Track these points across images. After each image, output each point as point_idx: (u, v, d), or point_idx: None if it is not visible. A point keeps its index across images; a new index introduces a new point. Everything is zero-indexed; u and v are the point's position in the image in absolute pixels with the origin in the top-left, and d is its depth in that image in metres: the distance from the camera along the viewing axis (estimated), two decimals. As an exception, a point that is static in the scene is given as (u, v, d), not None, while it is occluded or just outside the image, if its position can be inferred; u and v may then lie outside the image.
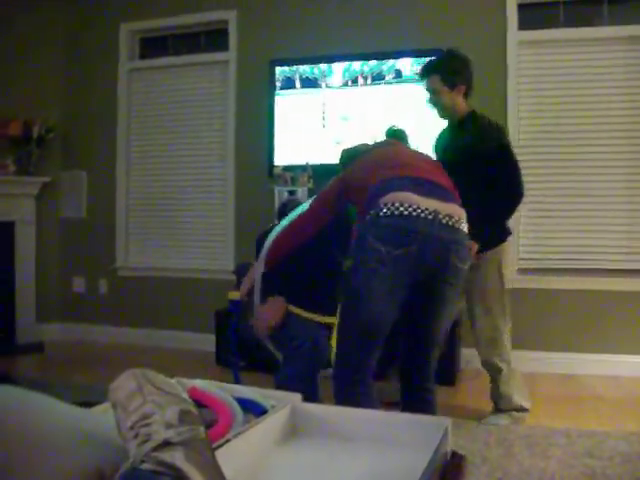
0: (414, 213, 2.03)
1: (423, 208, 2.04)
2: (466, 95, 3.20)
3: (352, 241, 2.22)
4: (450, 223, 2.07)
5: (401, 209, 2.04)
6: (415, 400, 2.28)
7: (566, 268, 4.40)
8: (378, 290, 2.09)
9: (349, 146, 2.73)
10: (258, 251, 3.08)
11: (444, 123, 3.35)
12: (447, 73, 3.11)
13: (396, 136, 2.60)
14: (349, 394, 2.17)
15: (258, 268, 2.70)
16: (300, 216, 2.55)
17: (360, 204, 2.23)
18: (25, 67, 5.28)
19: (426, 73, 3.15)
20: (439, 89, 3.11)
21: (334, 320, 2.56)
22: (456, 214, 2.10)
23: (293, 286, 2.74)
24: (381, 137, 2.67)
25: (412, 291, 2.13)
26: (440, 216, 2.06)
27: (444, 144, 3.26)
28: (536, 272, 4.46)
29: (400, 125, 2.66)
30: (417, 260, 2.05)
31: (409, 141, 2.62)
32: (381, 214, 2.08)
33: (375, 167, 2.28)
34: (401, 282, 2.09)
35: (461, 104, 3.18)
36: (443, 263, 2.10)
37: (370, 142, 2.67)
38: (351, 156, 2.57)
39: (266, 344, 2.79)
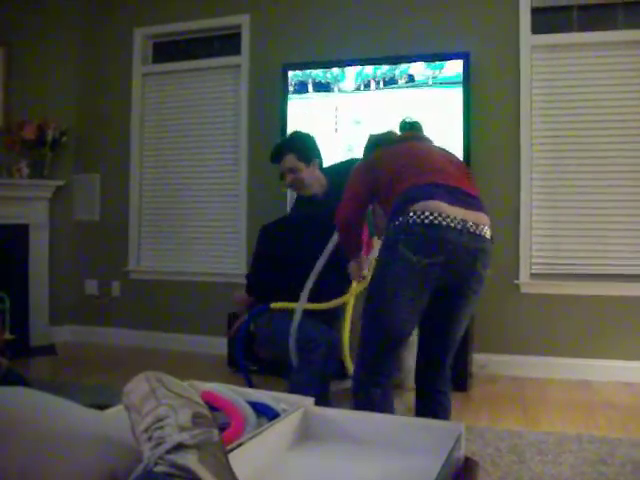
0: (444, 223, 2.04)
1: (452, 217, 2.05)
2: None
3: (381, 245, 2.25)
4: (477, 232, 2.09)
5: (431, 218, 2.05)
6: (431, 404, 2.29)
7: (578, 273, 4.38)
8: (404, 297, 2.11)
9: (376, 132, 2.67)
10: (260, 244, 3.18)
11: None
12: (301, 150, 3.10)
13: (413, 128, 2.55)
14: (367, 396, 2.19)
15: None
16: (338, 220, 2.47)
17: (386, 203, 2.25)
18: (39, 71, 5.32)
19: (280, 156, 3.11)
20: (298, 167, 3.09)
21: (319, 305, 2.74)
22: (482, 222, 2.12)
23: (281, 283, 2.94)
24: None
25: (435, 297, 2.16)
26: (468, 225, 2.07)
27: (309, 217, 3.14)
28: (548, 277, 4.44)
29: (414, 117, 2.60)
30: (445, 269, 2.08)
31: (424, 133, 2.58)
32: (411, 222, 2.08)
33: (405, 167, 2.27)
34: (426, 290, 2.12)
35: (320, 176, 3.16)
36: (470, 271, 2.13)
37: (396, 131, 2.60)
38: (379, 143, 2.53)
39: (286, 349, 2.79)
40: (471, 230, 2.07)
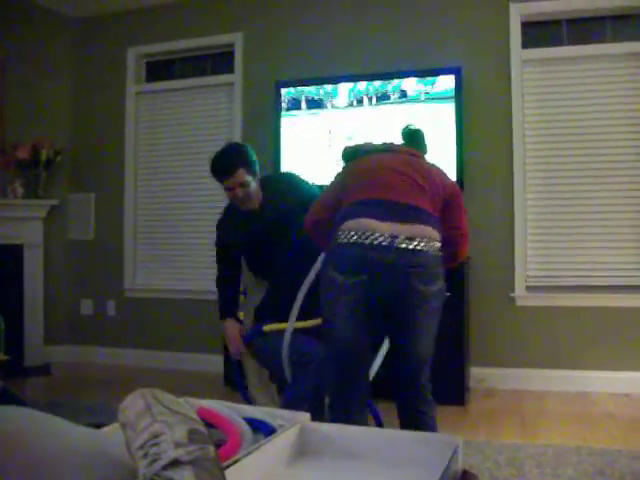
0: (367, 241, 2.05)
1: (378, 235, 2.05)
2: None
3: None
4: (410, 247, 2.06)
5: (355, 237, 2.07)
6: (411, 422, 2.25)
7: (574, 285, 4.39)
8: (339, 316, 2.15)
9: (351, 144, 2.67)
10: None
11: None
12: (249, 164, 3.03)
13: (411, 136, 2.54)
14: (336, 412, 2.26)
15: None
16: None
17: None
18: (33, 91, 5.34)
19: (232, 170, 2.96)
20: (249, 180, 3.00)
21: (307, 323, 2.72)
22: (418, 236, 2.08)
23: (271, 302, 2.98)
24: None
25: (385, 316, 2.17)
26: (398, 240, 2.05)
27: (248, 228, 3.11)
28: (545, 290, 4.45)
29: (416, 125, 2.59)
30: (370, 288, 2.07)
31: (425, 140, 2.55)
32: (338, 242, 2.13)
33: (353, 184, 2.30)
34: (362, 308, 2.12)
35: (259, 189, 3.10)
36: (402, 288, 2.08)
37: (375, 142, 2.59)
38: (351, 155, 2.53)
39: (279, 364, 2.78)
40: (401, 246, 2.05)
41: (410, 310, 2.13)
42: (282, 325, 2.78)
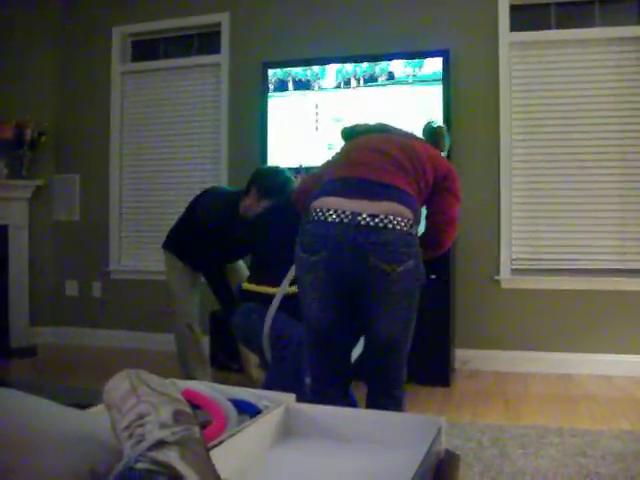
0: (328, 218, 2.04)
1: (340, 211, 2.03)
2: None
3: None
4: (372, 223, 2.00)
5: (317, 215, 2.07)
6: (376, 407, 2.16)
7: (559, 268, 4.42)
8: (308, 295, 2.16)
9: (349, 124, 2.61)
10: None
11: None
12: None
13: (430, 133, 2.49)
14: (313, 393, 2.27)
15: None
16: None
17: None
18: (18, 70, 5.28)
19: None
20: None
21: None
22: (382, 212, 2.02)
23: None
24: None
25: (354, 297, 2.13)
26: (360, 217, 2.01)
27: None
28: (529, 273, 4.48)
29: (438, 122, 2.56)
30: (331, 266, 2.06)
31: (444, 138, 2.50)
32: (304, 221, 2.14)
33: (332, 164, 2.31)
34: (328, 287, 2.11)
35: None
36: (361, 266, 2.03)
37: (371, 122, 2.59)
38: (349, 135, 2.52)
39: (260, 345, 2.80)
40: (363, 223, 2.00)
41: (374, 290, 2.07)
42: (259, 287, 2.84)
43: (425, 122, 2.57)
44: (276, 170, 3.38)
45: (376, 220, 2.01)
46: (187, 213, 3.76)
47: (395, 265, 2.02)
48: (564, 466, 2.57)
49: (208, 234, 3.51)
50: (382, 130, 2.44)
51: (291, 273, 2.59)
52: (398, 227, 2.02)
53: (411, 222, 2.07)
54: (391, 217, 2.02)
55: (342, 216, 2.02)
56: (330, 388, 2.26)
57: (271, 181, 3.28)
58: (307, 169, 4.43)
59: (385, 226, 2.01)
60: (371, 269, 2.02)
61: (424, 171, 2.22)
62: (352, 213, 2.02)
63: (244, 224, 3.31)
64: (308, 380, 2.40)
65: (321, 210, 2.07)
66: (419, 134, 2.51)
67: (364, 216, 2.01)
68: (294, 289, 2.55)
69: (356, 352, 2.44)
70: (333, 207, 2.05)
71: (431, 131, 2.52)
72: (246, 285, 2.97)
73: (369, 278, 2.04)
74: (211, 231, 3.48)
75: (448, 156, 4.20)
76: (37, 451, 1.06)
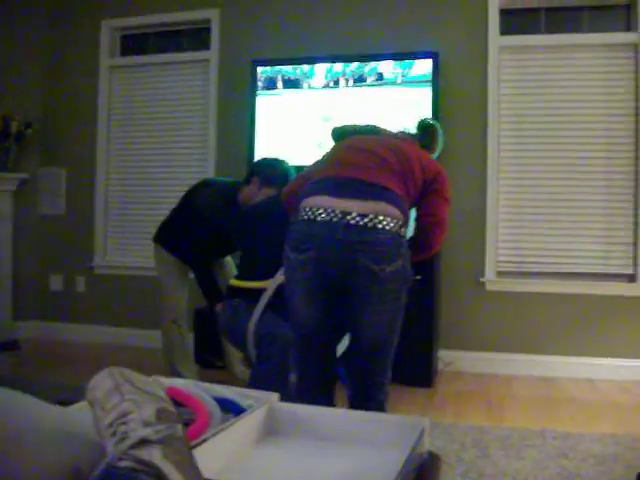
0: (317, 217, 2.04)
1: (330, 210, 2.03)
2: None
3: None
4: (361, 223, 2.00)
5: (307, 214, 2.07)
6: (357, 407, 2.16)
7: (544, 272, 4.45)
8: (295, 294, 2.16)
9: (339, 124, 2.64)
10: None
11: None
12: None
13: (423, 129, 2.52)
14: (296, 392, 2.29)
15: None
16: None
17: None
18: (4, 62, 5.23)
19: None
20: None
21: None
22: (372, 212, 2.02)
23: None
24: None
25: (341, 296, 2.12)
26: (349, 217, 2.01)
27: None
28: (514, 275, 4.51)
29: (431, 120, 2.59)
30: (319, 264, 2.06)
31: (437, 136, 2.53)
32: (292, 221, 2.15)
33: (321, 164, 2.31)
34: (316, 287, 2.11)
35: None
36: (349, 266, 2.02)
37: (360, 123, 2.57)
38: (339, 135, 2.52)
39: (244, 343, 2.81)
40: (352, 222, 2.00)
41: (362, 290, 2.06)
42: (246, 283, 2.87)
43: (420, 118, 2.59)
44: (277, 160, 3.43)
45: (365, 220, 2.01)
46: (182, 204, 3.74)
47: (384, 265, 2.02)
48: (545, 468, 2.59)
49: (203, 225, 3.50)
50: (372, 131, 2.45)
51: (281, 271, 2.59)
52: (387, 227, 2.02)
53: (400, 223, 2.07)
54: (381, 217, 2.02)
55: (331, 215, 2.02)
56: (314, 387, 2.27)
57: (273, 170, 3.35)
58: (295, 168, 4.43)
59: (374, 226, 2.01)
60: (359, 269, 2.02)
61: (413, 172, 2.23)
62: (342, 212, 2.02)
63: (237, 215, 3.31)
64: (293, 378, 2.41)
65: (310, 209, 2.07)
66: (411, 130, 2.53)
67: (353, 215, 2.01)
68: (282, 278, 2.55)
69: (341, 347, 2.45)
70: (323, 206, 2.05)
71: (426, 127, 2.53)
72: (234, 281, 2.98)
73: (357, 278, 2.04)
74: (208, 221, 3.48)
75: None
76: (19, 448, 1.06)
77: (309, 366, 2.28)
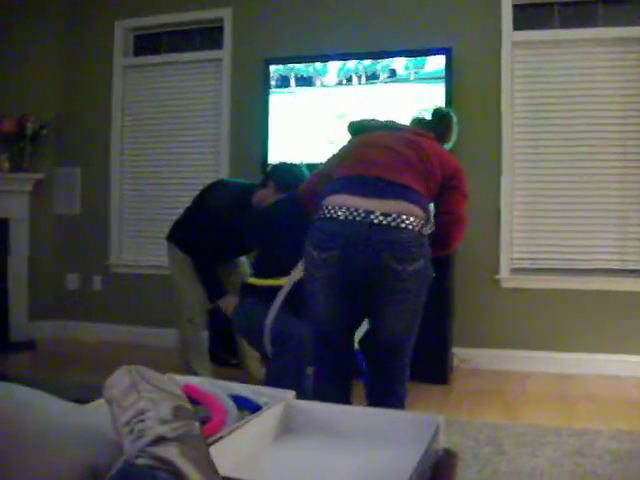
0: (341, 216, 2.04)
1: (353, 209, 2.03)
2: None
3: None
4: (384, 222, 2.02)
5: (330, 213, 2.07)
6: (378, 404, 2.21)
7: (559, 268, 4.43)
8: (316, 291, 2.17)
9: (356, 119, 2.64)
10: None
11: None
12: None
13: (438, 117, 2.56)
14: (313, 386, 2.32)
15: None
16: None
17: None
18: (20, 63, 5.26)
19: None
20: None
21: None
22: (395, 211, 2.03)
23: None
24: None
25: (362, 294, 2.14)
26: (373, 216, 2.02)
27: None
28: (529, 272, 4.48)
29: (423, 114, 2.62)
30: (343, 263, 2.06)
31: (452, 126, 2.58)
32: (315, 219, 2.15)
33: (343, 161, 2.30)
34: (338, 285, 2.12)
35: None
36: (373, 264, 2.04)
37: (379, 118, 2.58)
38: (357, 130, 2.52)
39: (261, 340, 2.81)
40: (375, 221, 2.01)
41: (384, 288, 2.09)
42: (264, 281, 2.89)
43: (435, 106, 2.59)
44: (294, 165, 3.44)
45: (389, 219, 2.02)
46: (196, 203, 3.75)
47: (406, 264, 2.04)
48: (561, 465, 2.58)
49: (216, 224, 3.51)
50: (391, 127, 2.44)
51: (298, 269, 2.59)
52: (410, 227, 2.04)
53: (422, 221, 2.09)
54: (404, 216, 2.04)
55: (355, 214, 2.03)
56: (331, 378, 2.27)
57: (289, 176, 3.33)
58: (309, 166, 4.43)
59: (397, 225, 2.02)
60: (383, 267, 2.04)
61: (433, 170, 2.24)
62: (365, 211, 2.03)
63: (251, 217, 3.32)
64: (310, 372, 2.42)
65: (333, 208, 2.07)
66: (426, 117, 2.53)
67: (377, 214, 2.02)
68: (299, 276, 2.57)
69: (358, 334, 2.46)
70: (345, 205, 2.05)
71: (441, 116, 2.54)
72: (251, 279, 2.99)
73: (380, 276, 2.06)
74: (222, 221, 3.49)
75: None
76: (38, 446, 1.07)
77: (327, 358, 2.29)
